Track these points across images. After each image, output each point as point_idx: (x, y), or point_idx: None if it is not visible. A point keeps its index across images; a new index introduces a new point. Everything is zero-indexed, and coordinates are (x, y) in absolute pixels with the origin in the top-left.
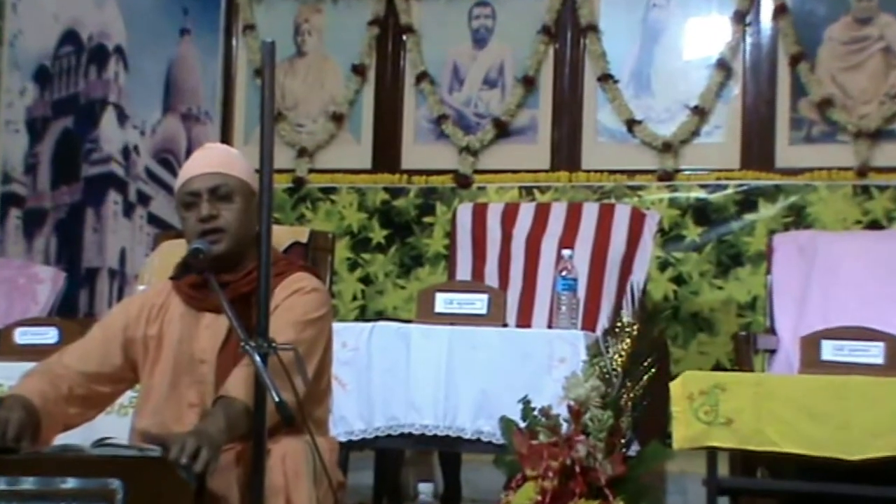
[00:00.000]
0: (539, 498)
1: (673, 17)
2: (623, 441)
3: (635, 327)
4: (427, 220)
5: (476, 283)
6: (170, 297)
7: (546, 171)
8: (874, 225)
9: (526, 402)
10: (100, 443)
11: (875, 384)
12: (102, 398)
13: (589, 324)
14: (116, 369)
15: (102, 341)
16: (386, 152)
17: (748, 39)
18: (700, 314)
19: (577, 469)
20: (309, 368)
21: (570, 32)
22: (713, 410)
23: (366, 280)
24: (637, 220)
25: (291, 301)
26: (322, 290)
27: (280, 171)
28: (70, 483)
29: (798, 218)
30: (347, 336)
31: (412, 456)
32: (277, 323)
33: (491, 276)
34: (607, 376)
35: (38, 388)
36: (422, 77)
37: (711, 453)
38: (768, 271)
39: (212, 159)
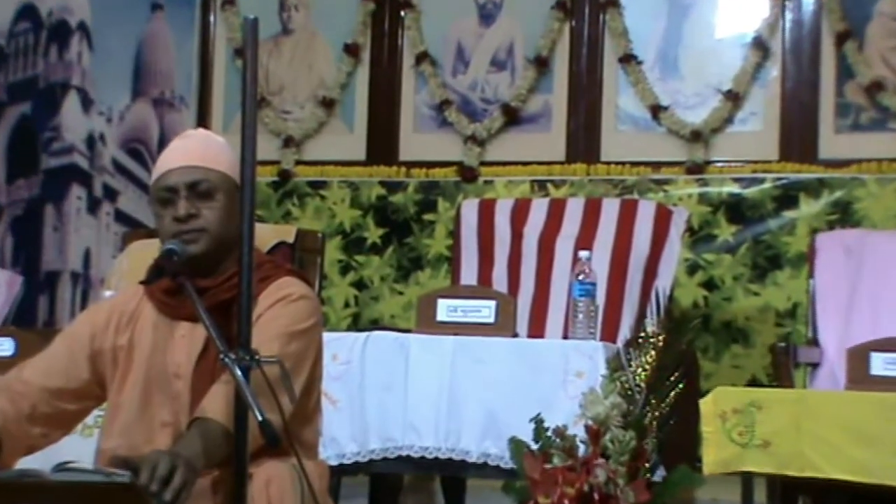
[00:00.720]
0: None
1: None
2: (647, 465)
3: (661, 338)
4: (428, 217)
5: (483, 289)
6: (142, 303)
7: (561, 163)
8: None
9: (538, 421)
10: (61, 467)
11: None
12: (68, 417)
13: (609, 334)
14: (83, 384)
15: (67, 354)
16: (382, 142)
17: (788, 15)
18: (734, 323)
19: (596, 496)
20: (296, 385)
21: (587, 8)
22: (748, 431)
23: (359, 285)
24: (663, 217)
25: (276, 310)
26: (311, 298)
27: (264, 163)
28: None
29: (844, 215)
30: (339, 348)
31: (411, 482)
32: (261, 334)
33: (499, 281)
34: (629, 392)
35: (0, 405)
36: (422, 58)
37: (747, 479)
38: (810, 275)
39: (192, 150)
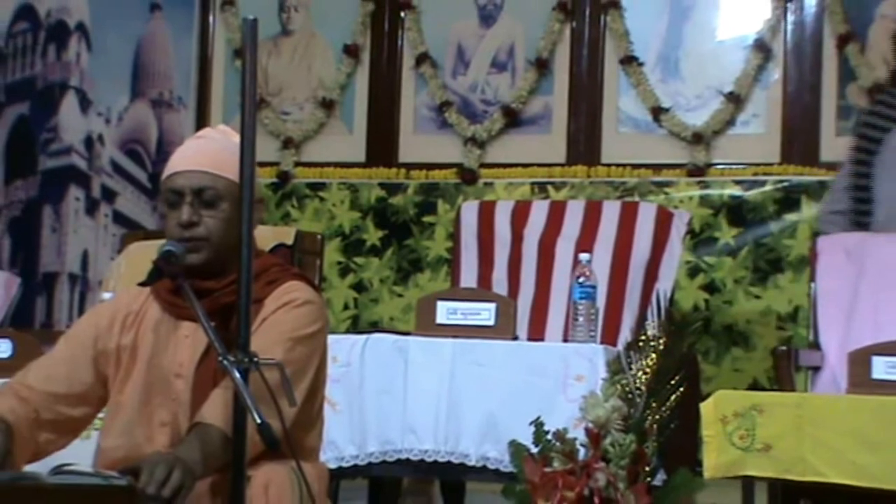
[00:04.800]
0: None
1: None
2: (648, 469)
3: (661, 341)
4: (427, 219)
5: (482, 291)
6: (147, 303)
7: (561, 165)
8: None
9: (538, 424)
10: (58, 470)
11: None
12: (72, 423)
13: (609, 337)
14: (88, 388)
15: (70, 357)
16: (381, 144)
17: (790, 17)
18: (735, 326)
19: (596, 500)
20: (300, 390)
21: (588, 9)
22: (749, 435)
23: (359, 287)
24: (664, 220)
25: (281, 314)
26: (316, 302)
27: (263, 165)
28: None
29: None
30: (338, 350)
31: (410, 485)
32: (265, 338)
33: (499, 283)
34: (630, 396)
35: (8, 405)
36: (422, 59)
37: (748, 483)
38: (812, 278)
39: (203, 155)
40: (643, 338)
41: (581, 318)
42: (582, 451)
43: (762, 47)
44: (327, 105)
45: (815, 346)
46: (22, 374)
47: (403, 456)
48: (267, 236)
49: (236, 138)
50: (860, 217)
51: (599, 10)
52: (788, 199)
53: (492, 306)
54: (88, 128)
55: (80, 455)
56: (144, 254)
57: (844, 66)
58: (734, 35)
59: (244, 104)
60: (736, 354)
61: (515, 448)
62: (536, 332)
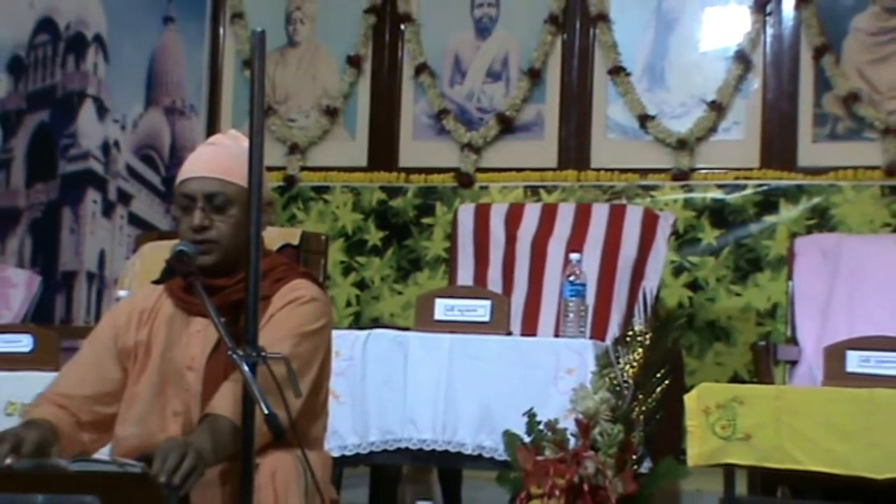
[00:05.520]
0: None
1: (689, 5)
2: (634, 457)
3: (647, 336)
4: (426, 221)
5: (478, 289)
6: (160, 300)
7: (553, 169)
8: None
9: (531, 415)
10: (77, 457)
11: None
12: (113, 419)
13: (598, 332)
14: (117, 385)
15: (96, 360)
16: (383, 149)
17: (769, 30)
18: (717, 322)
19: (586, 487)
20: (306, 382)
21: (578, 22)
22: (731, 425)
23: (361, 285)
24: (650, 221)
25: (288, 311)
26: (321, 300)
27: (270, 169)
28: (42, 500)
29: (822, 220)
30: (341, 345)
31: (410, 472)
32: (272, 334)
33: (494, 281)
34: (618, 388)
35: (50, 411)
36: (421, 69)
37: (729, 471)
38: (790, 277)
39: (214, 161)
40: (630, 333)
41: (571, 315)
42: (572, 441)
43: (742, 58)
44: (331, 112)
45: (793, 341)
46: (54, 385)
47: (403, 445)
48: (274, 237)
49: (246, 143)
50: None
51: (589, 23)
52: (767, 202)
53: (487, 303)
54: (105, 134)
55: None
56: (158, 253)
57: (820, 76)
58: (716, 47)
59: (252, 112)
60: (718, 349)
61: (509, 437)
62: (529, 328)
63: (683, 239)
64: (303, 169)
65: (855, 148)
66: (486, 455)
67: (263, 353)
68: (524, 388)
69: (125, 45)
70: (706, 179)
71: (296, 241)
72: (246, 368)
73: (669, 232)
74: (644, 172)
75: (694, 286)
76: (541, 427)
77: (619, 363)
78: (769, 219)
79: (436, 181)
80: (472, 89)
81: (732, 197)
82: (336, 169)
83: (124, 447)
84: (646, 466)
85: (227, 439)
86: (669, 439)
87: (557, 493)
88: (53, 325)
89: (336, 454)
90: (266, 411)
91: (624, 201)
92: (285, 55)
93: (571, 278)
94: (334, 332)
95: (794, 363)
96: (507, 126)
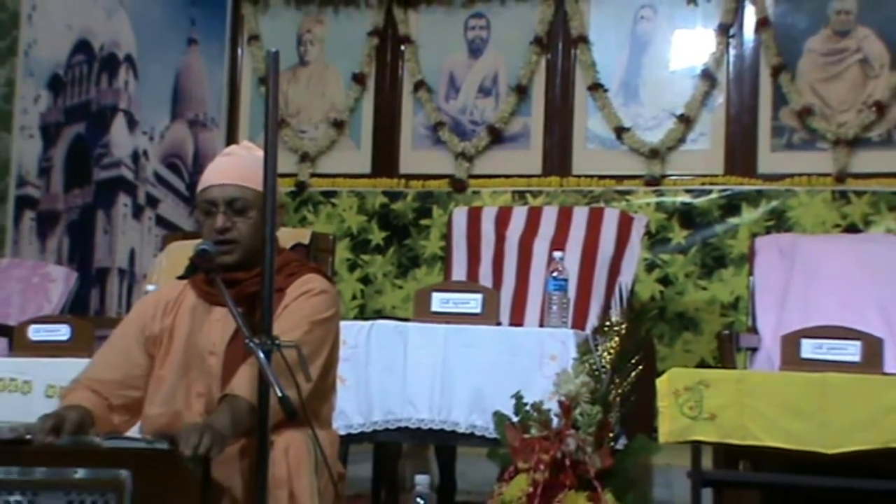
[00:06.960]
0: (531, 490)
1: (660, 29)
2: (611, 435)
3: (623, 326)
4: (424, 222)
5: (471, 284)
6: (184, 292)
7: (538, 176)
8: (852, 228)
9: (518, 397)
10: (110, 435)
11: (852, 381)
12: (142, 402)
13: (579, 323)
14: (145, 370)
15: (125, 348)
16: (385, 158)
17: (732, 51)
18: (685, 314)
19: (567, 462)
20: (316, 367)
21: (561, 43)
22: (697, 406)
23: (365, 280)
24: (625, 223)
25: (301, 302)
26: (331, 292)
27: (283, 176)
28: (80, 473)
29: (779, 222)
30: (347, 334)
31: (409, 449)
32: (286, 322)
33: (485, 277)
34: (596, 373)
35: (85, 396)
36: (419, 85)
37: (696, 447)
38: (751, 273)
39: (232, 170)
40: (608, 324)
41: (555, 307)
42: (555, 420)
43: (708, 76)
44: (338, 125)
45: (753, 330)
46: (87, 371)
47: (403, 424)
48: (286, 237)
49: (258, 153)
50: None
51: (571, 45)
52: (730, 206)
53: (479, 297)
54: (135, 144)
55: None
56: (182, 252)
57: (778, 92)
58: (685, 66)
59: (267, 124)
60: (686, 338)
61: (499, 418)
62: (517, 319)
63: (655, 239)
64: (312, 175)
65: (809, 157)
66: (478, 433)
67: (277, 342)
68: (512, 373)
69: (153, 65)
70: (676, 185)
71: (306, 241)
72: (261, 355)
73: (643, 232)
74: (620, 179)
75: (665, 281)
76: (527, 408)
77: (597, 350)
78: (732, 220)
79: (433, 186)
80: (465, 104)
81: (699, 201)
82: (342, 175)
83: (154, 425)
84: (621, 443)
85: (244, 417)
86: (643, 419)
87: (542, 467)
88: (89, 316)
89: (343, 432)
90: (280, 394)
91: (602, 205)
92: (297, 73)
93: (555, 274)
94: (341, 323)
95: (754, 350)
96: (497, 137)
